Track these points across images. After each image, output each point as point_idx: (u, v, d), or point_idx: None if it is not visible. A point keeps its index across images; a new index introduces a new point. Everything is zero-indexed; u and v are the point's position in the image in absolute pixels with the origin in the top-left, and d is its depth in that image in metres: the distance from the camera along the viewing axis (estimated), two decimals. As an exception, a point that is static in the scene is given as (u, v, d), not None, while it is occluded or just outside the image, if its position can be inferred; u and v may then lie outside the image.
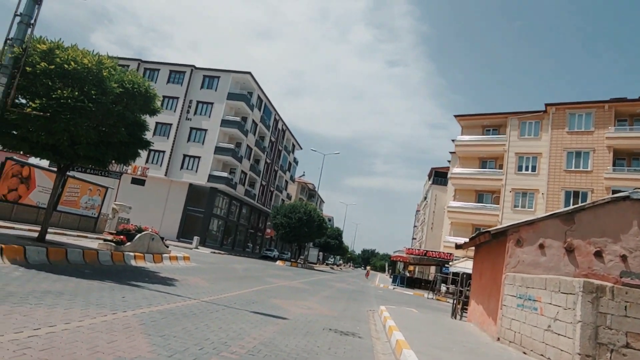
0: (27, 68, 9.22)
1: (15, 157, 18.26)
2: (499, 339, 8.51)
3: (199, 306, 7.36)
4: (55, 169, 14.29)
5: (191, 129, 42.96)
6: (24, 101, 9.90)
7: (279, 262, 40.29)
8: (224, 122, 42.57)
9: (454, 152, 38.56)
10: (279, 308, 9.11)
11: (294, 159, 70.25)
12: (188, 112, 43.33)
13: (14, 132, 10.17)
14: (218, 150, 41.96)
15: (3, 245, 8.53)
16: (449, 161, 43.22)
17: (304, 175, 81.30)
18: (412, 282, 37.22)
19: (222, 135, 43.03)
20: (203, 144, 42.35)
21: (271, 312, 8.30)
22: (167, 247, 16.75)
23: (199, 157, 42.02)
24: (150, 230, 15.23)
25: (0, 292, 5.61)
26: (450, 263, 30.88)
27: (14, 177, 17.48)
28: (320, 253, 78.91)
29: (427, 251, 36.16)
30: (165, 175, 41.79)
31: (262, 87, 48.29)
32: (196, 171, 41.79)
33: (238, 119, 43.41)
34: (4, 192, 17.18)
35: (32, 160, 21.77)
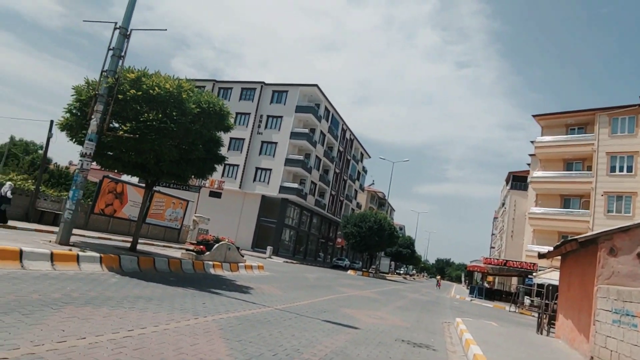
0: (119, 96, 10.30)
1: (110, 175, 20.32)
2: (592, 358, 7.74)
3: (272, 314, 7.61)
4: (143, 185, 15.68)
5: (262, 142, 44.79)
6: (116, 125, 11.05)
7: (350, 272, 40.25)
8: (293, 135, 43.84)
9: (533, 155, 36.06)
10: (350, 317, 9.11)
11: (363, 167, 70.14)
12: (259, 126, 45.27)
13: (109, 153, 11.37)
14: (288, 162, 43.24)
15: (102, 255, 9.52)
16: (529, 164, 40.49)
17: (373, 184, 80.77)
18: (492, 294, 35.11)
19: (291, 147, 44.31)
20: (274, 156, 43.91)
21: (342, 321, 8.33)
22: (243, 256, 17.53)
23: (270, 170, 43.61)
24: (227, 240, 16.06)
25: (100, 296, 6.28)
26: (534, 274, 28.69)
27: (109, 193, 19.46)
28: (392, 262, 77.46)
29: (507, 261, 33.97)
30: (240, 187, 43.88)
31: (329, 98, 49.06)
32: (268, 183, 43.38)
33: (306, 130, 44.47)
34: (102, 206, 19.18)
35: (124, 177, 24.07)
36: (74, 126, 10.88)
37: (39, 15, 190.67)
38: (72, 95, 10.82)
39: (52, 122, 18.81)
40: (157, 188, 22.75)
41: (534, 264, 29.75)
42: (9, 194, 14.30)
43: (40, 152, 49.00)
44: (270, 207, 43.38)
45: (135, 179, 24.73)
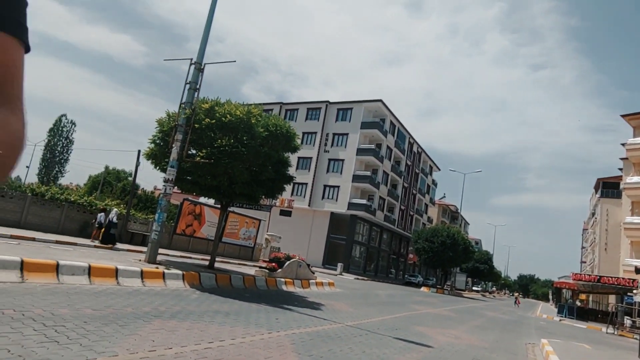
0: (196, 125, 11.21)
1: (189, 198, 21.86)
2: None
3: (343, 330, 7.67)
4: (219, 206, 16.69)
5: (329, 160, 45.44)
6: (194, 152, 11.98)
7: (423, 289, 38.94)
8: (360, 151, 43.98)
9: (625, 158, 32.73)
10: (423, 335, 8.87)
11: (433, 180, 68.17)
12: (325, 144, 46.07)
13: (188, 177, 12.34)
14: (355, 178, 43.35)
15: (184, 272, 10.28)
16: (621, 169, 36.79)
17: (444, 197, 78.00)
18: (585, 314, 31.91)
19: (358, 163, 44.44)
20: (341, 173, 44.29)
21: (415, 339, 8.15)
22: (313, 273, 17.81)
23: (338, 187, 43.98)
24: (297, 257, 16.45)
25: (183, 310, 6.80)
26: (634, 291, 25.67)
27: (189, 214, 20.91)
28: (469, 279, 73.67)
29: (600, 277, 30.75)
30: (309, 205, 44.70)
31: (394, 113, 48.71)
32: (336, 200, 43.73)
33: (372, 146, 44.41)
34: (183, 227, 20.64)
35: (202, 199, 25.73)
36: (158, 155, 11.99)
37: (126, 56, 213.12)
38: (156, 127, 11.97)
39: (139, 152, 20.77)
40: (231, 209, 23.96)
41: (634, 280, 26.64)
42: (115, 219, 16.02)
43: (130, 179, 54.08)
44: (339, 223, 43.59)
45: (211, 201, 26.32)
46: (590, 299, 42.61)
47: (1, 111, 0.42)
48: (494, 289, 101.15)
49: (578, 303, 36.44)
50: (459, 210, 72.05)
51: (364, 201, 42.79)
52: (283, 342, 5.75)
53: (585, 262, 64.12)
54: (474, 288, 77.93)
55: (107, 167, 63.30)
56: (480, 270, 60.79)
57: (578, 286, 32.41)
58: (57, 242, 13.28)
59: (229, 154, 10.91)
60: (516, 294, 53.29)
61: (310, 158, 45.90)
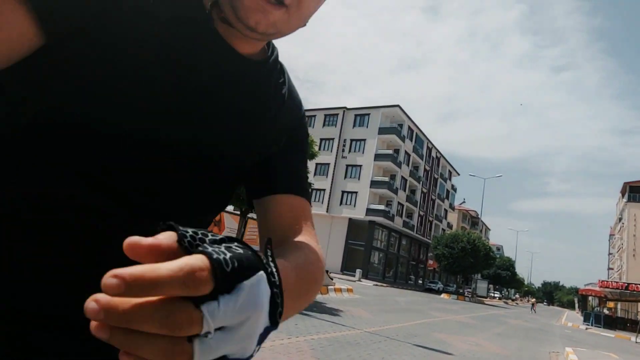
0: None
1: (210, 205, 22.16)
2: None
3: (362, 336, 7.70)
4: (238, 213, 16.92)
5: (347, 166, 45.49)
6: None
7: (443, 295, 38.45)
8: (377, 157, 43.90)
9: (653, 162, 31.75)
10: (442, 343, 8.81)
11: (452, 186, 67.42)
12: (343, 150, 46.16)
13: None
14: (373, 184, 43.24)
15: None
16: (648, 173, 35.71)
17: (464, 202, 77.06)
18: (613, 322, 30.93)
19: (376, 169, 44.34)
20: (359, 179, 44.26)
21: (434, 346, 8.10)
22: (332, 279, 17.82)
23: (356, 192, 43.95)
24: (316, 263, 16.50)
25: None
26: (665, 299, 24.82)
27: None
28: (490, 286, 72.38)
29: (629, 284, 29.85)
30: (327, 211, 44.76)
31: (412, 117, 48.49)
32: (354, 206, 43.68)
33: (390, 151, 44.27)
34: (204, 233, 20.98)
35: (222, 206, 26.03)
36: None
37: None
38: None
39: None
40: (250, 215, 24.28)
41: (664, 287, 25.76)
42: None
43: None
44: (357, 229, 43.50)
45: (230, 207, 26.64)
46: (619, 306, 41.27)
47: (313, 243, 0.63)
48: (517, 296, 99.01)
49: (605, 311, 35.36)
50: (479, 216, 70.96)
51: (382, 207, 42.62)
52: (302, 347, 5.82)
53: (612, 269, 62.31)
54: (494, 295, 76.48)
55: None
56: (502, 276, 59.74)
57: (605, 293, 31.52)
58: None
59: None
60: (533, 300, 52.94)
61: (328, 164, 46.04)
